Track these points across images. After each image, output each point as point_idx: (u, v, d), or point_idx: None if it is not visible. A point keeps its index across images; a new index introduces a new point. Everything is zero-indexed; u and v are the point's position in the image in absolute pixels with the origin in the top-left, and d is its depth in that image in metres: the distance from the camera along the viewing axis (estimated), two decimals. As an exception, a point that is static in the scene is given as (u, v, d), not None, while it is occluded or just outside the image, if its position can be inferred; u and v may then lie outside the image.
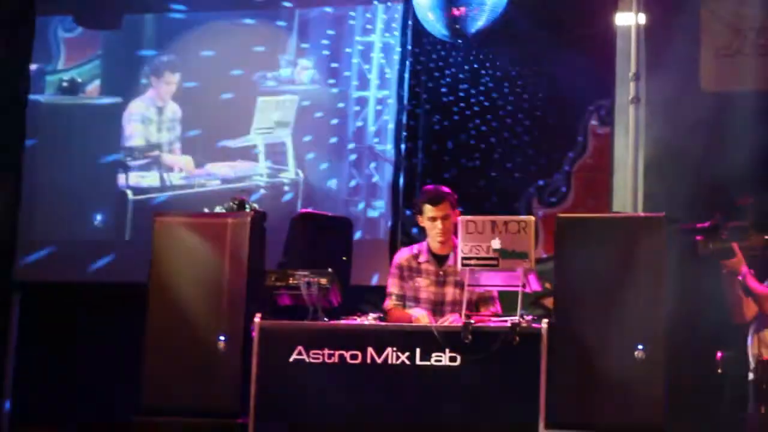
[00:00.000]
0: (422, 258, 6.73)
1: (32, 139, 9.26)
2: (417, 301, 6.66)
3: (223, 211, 6.45)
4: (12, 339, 9.37)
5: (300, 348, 6.10)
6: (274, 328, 6.16)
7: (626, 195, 8.35)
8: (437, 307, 6.59)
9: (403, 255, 6.81)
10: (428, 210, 6.65)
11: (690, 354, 6.63)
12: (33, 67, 9.24)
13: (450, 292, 6.61)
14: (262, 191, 9.03)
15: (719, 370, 6.88)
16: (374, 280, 8.58)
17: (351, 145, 8.99)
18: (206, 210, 6.46)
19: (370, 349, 6.03)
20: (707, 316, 6.83)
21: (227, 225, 6.29)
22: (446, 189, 6.76)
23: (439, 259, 6.68)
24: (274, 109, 9.10)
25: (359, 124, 9.00)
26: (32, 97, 9.18)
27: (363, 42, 9.08)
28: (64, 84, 9.39)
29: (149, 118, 9.22)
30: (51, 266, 9.28)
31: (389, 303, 6.72)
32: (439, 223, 6.62)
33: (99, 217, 9.22)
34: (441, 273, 6.65)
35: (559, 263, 6.03)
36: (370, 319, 6.28)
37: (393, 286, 6.75)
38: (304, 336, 6.12)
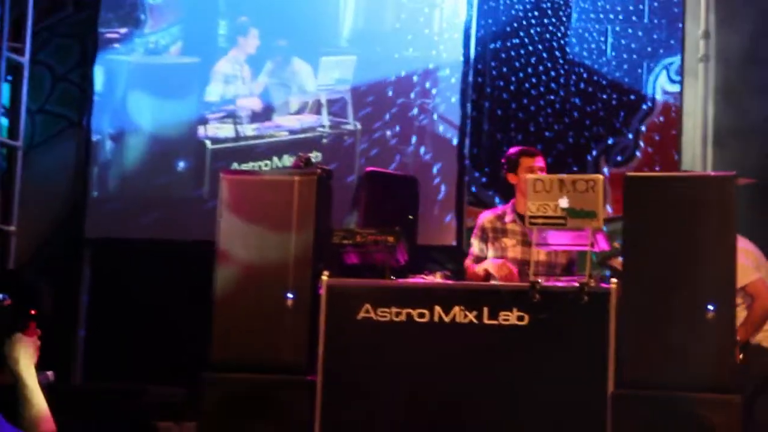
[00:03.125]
0: (507, 218, 6.71)
1: (118, 95, 9.65)
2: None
3: (302, 158, 6.48)
4: (84, 295, 9.50)
5: (367, 306, 6.11)
6: (341, 285, 6.17)
7: (695, 154, 8.26)
8: (525, 267, 6.56)
9: (486, 216, 6.80)
10: (525, 161, 6.64)
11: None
12: (124, 30, 9.73)
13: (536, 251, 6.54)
14: (325, 141, 9.26)
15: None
16: (441, 240, 8.59)
17: (415, 107, 9.08)
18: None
19: (437, 308, 6.03)
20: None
21: (294, 183, 6.30)
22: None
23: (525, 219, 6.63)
24: (334, 67, 9.30)
25: (426, 83, 9.09)
26: (123, 57, 9.70)
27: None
28: (150, 45, 9.68)
29: (231, 75, 9.48)
30: (122, 221, 9.51)
31: (467, 261, 6.72)
32: (536, 174, 6.57)
33: (181, 164, 9.61)
34: (527, 233, 6.57)
35: (628, 222, 5.98)
36: (437, 278, 6.28)
37: (473, 247, 6.75)
38: (372, 294, 6.13)
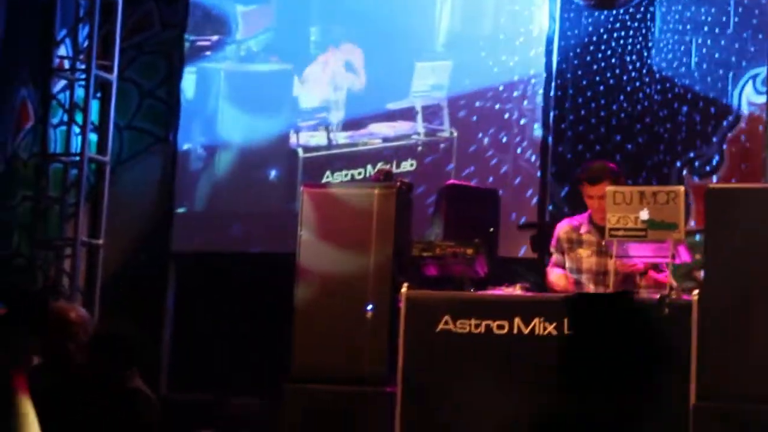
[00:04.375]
0: (583, 229, 6.67)
1: (209, 104, 9.75)
2: (579, 272, 6.61)
3: (382, 171, 6.52)
4: (169, 310, 9.62)
5: (447, 318, 6.12)
6: (420, 297, 6.20)
7: (781, 166, 8.15)
8: (600, 278, 6.51)
9: (563, 227, 6.78)
10: (587, 188, 6.58)
11: None
12: (215, 38, 9.78)
13: (612, 262, 6.47)
14: (419, 149, 9.18)
15: None
16: (521, 252, 8.55)
17: (501, 114, 9.08)
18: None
19: (517, 320, 6.02)
20: None
21: (374, 196, 6.35)
22: (609, 164, 6.69)
23: (601, 230, 6.52)
24: (430, 73, 9.24)
25: (511, 84, 9.07)
26: (213, 65, 9.75)
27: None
28: (242, 53, 9.79)
29: (323, 82, 9.53)
30: (209, 234, 9.60)
31: (552, 275, 6.71)
32: (594, 202, 6.54)
33: (273, 173, 9.59)
34: (603, 243, 6.51)
35: (710, 234, 5.93)
36: (517, 290, 6.27)
37: (553, 257, 6.75)
38: (451, 306, 6.14)
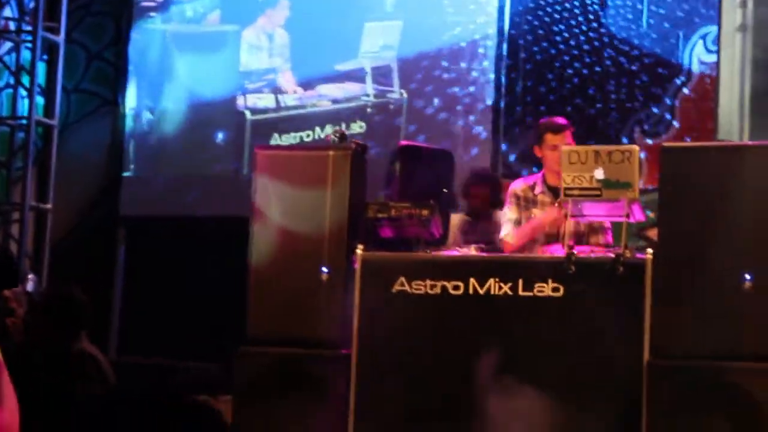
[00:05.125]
0: (538, 189, 6.66)
1: (155, 67, 9.65)
2: None
3: (336, 132, 6.47)
4: (119, 273, 9.55)
5: (402, 279, 6.10)
6: (376, 259, 6.17)
7: (732, 124, 8.18)
8: (553, 238, 6.53)
9: (518, 185, 6.75)
10: (550, 138, 6.57)
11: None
12: None
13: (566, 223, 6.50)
14: (369, 111, 9.11)
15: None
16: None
17: (452, 74, 9.03)
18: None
19: (472, 280, 6.01)
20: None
21: (328, 158, 6.30)
22: (565, 120, 6.69)
23: (555, 191, 6.57)
24: (380, 33, 9.14)
25: (470, 54, 9.02)
26: (159, 26, 9.71)
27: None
28: (188, 14, 9.67)
29: (259, 45, 9.42)
30: (158, 198, 9.51)
31: (506, 230, 6.67)
32: (558, 153, 6.52)
33: (220, 136, 9.50)
34: (557, 204, 6.53)
35: (664, 193, 5.94)
36: (472, 250, 6.26)
37: (512, 212, 6.68)
38: (406, 267, 6.12)
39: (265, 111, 9.48)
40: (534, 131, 6.75)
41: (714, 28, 8.52)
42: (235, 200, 8.69)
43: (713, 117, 8.35)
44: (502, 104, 8.88)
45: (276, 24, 9.44)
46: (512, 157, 8.87)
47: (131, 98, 9.69)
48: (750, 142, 7.34)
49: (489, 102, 8.90)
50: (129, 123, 9.67)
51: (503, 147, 8.88)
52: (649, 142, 8.54)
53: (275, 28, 9.44)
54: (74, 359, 5.25)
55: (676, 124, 8.60)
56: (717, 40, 8.48)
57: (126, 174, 9.65)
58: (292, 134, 9.28)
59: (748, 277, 5.65)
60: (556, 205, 6.45)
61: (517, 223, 6.67)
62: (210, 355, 7.72)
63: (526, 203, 6.67)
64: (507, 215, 6.72)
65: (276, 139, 9.23)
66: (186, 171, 9.49)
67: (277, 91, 9.43)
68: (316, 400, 6.04)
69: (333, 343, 6.14)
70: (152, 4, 9.77)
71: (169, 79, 9.68)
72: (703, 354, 5.68)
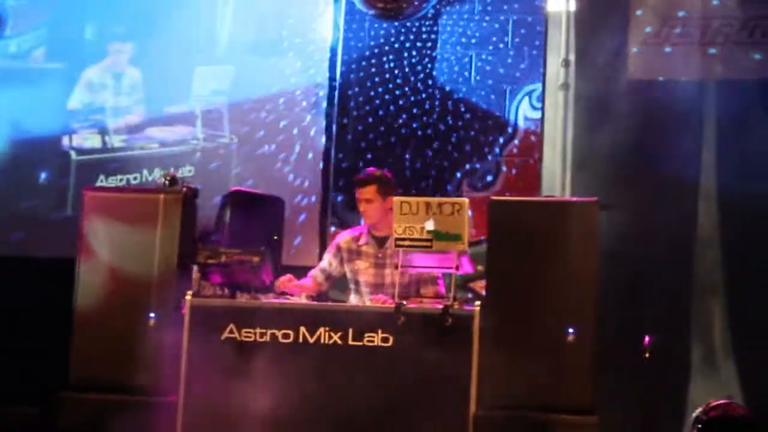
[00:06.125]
0: (362, 240, 6.72)
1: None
2: (357, 283, 6.66)
3: (167, 175, 6.41)
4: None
5: (231, 326, 6.06)
6: (205, 305, 6.11)
7: (555, 180, 8.40)
8: (377, 290, 6.58)
9: (343, 237, 6.81)
10: (357, 193, 6.66)
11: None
12: None
13: (389, 273, 6.59)
14: (198, 155, 9.06)
15: (646, 355, 6.99)
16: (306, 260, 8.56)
17: (283, 121, 9.04)
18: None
19: (302, 329, 6.01)
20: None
21: (159, 201, 6.23)
22: (377, 172, 6.75)
23: (379, 241, 6.67)
24: (211, 77, 9.13)
25: (303, 102, 9.05)
26: None
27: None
28: (11, 49, 9.44)
29: (99, 84, 9.29)
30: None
31: (311, 273, 6.71)
32: (362, 205, 6.63)
33: (43, 175, 9.28)
34: (380, 255, 6.63)
35: (492, 245, 6.05)
36: (303, 298, 6.27)
37: (324, 261, 6.76)
38: (236, 314, 6.09)
39: (91, 151, 9.31)
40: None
41: (538, 86, 8.76)
42: (59, 241, 8.50)
43: (538, 172, 8.57)
44: (333, 151, 8.93)
45: (116, 62, 9.32)
46: (340, 206, 8.91)
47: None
48: (576, 198, 7.56)
49: (320, 148, 8.93)
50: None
51: (333, 194, 8.92)
52: (475, 194, 8.69)
53: (124, 67, 9.33)
54: None
55: (502, 178, 8.78)
56: (541, 98, 8.72)
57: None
58: (119, 176, 9.12)
59: (571, 330, 5.80)
60: (380, 256, 6.55)
61: (324, 272, 6.71)
62: (29, 400, 7.49)
63: (349, 255, 6.71)
64: (322, 260, 6.78)
65: (102, 181, 9.05)
66: (7, 209, 9.22)
67: (104, 132, 9.28)
68: (141, 448, 5.94)
69: (159, 389, 6.05)
70: (-28, 38, 9.54)
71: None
72: (527, 406, 5.80)
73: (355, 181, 6.72)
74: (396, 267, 6.42)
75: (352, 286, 6.70)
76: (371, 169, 6.95)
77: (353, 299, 6.65)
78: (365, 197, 6.61)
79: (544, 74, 8.69)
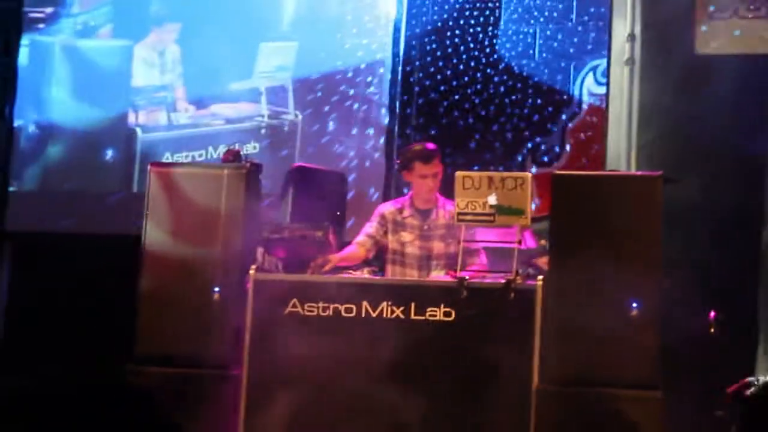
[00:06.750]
0: (406, 212, 6.71)
1: (44, 80, 9.49)
2: (403, 255, 6.65)
3: (231, 152, 6.45)
4: (3, 289, 9.35)
5: (294, 301, 6.09)
6: (268, 280, 6.15)
7: (620, 155, 8.35)
8: (424, 262, 6.59)
9: (387, 208, 6.79)
10: (419, 167, 6.62)
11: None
12: (49, 10, 9.54)
13: (436, 246, 6.60)
14: (263, 131, 9.08)
15: (711, 330, 6.93)
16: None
17: (346, 98, 9.05)
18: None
19: (365, 303, 6.03)
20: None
21: (223, 177, 6.27)
22: (433, 145, 6.74)
23: (423, 214, 6.67)
24: (275, 54, 9.12)
25: (368, 77, 9.05)
26: (47, 39, 9.49)
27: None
28: (78, 27, 9.51)
29: (152, 61, 9.32)
30: (46, 214, 9.34)
31: (357, 239, 6.68)
32: (429, 181, 6.61)
33: (110, 153, 9.34)
34: (426, 227, 6.63)
35: (555, 220, 6.03)
36: (365, 273, 6.28)
37: (369, 228, 6.71)
38: (299, 289, 6.11)
39: (156, 129, 9.36)
40: (403, 156, 6.78)
41: (603, 61, 8.70)
42: (125, 218, 8.59)
43: (603, 147, 8.52)
44: (396, 126, 8.93)
45: (168, 41, 9.36)
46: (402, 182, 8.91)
47: (18, 111, 9.52)
48: (639, 173, 7.50)
49: (383, 123, 8.94)
50: (15, 137, 9.49)
51: (395, 170, 8.92)
52: (539, 170, 8.66)
53: (167, 44, 9.36)
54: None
55: (566, 153, 8.74)
56: (606, 73, 8.65)
57: (12, 189, 9.46)
58: (185, 153, 9.17)
59: (635, 304, 5.76)
60: (426, 228, 6.54)
61: (369, 237, 6.68)
62: (98, 375, 7.59)
63: (395, 225, 6.70)
64: (365, 228, 6.74)
65: (168, 158, 9.11)
66: (73, 187, 9.33)
67: (169, 109, 9.33)
68: (206, 420, 5.99)
69: (223, 363, 6.10)
70: (41, 15, 9.61)
71: (57, 93, 9.52)
72: (589, 381, 5.77)
73: (421, 156, 6.65)
74: (442, 240, 6.45)
75: (392, 256, 6.68)
76: (416, 143, 6.94)
77: (391, 271, 6.65)
78: (433, 171, 6.59)
79: (610, 49, 8.63)
